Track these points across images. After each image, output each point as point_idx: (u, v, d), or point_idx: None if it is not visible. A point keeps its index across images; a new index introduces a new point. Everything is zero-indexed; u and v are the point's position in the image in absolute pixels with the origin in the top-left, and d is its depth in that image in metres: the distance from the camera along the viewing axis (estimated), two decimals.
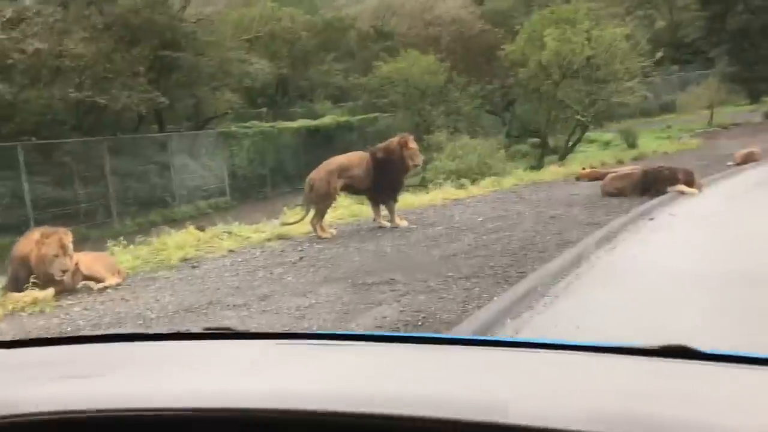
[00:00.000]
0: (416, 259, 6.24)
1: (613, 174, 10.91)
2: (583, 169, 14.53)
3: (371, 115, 32.97)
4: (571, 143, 27.16)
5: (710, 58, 40.40)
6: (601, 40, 25.56)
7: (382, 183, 8.31)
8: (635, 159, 18.58)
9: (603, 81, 25.95)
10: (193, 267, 6.65)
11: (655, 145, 26.53)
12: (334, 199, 8.44)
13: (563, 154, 26.86)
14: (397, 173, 8.46)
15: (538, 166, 25.21)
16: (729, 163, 14.68)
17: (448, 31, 32.65)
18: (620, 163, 17.92)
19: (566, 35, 25.38)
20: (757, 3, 32.63)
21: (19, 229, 18.57)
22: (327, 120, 32.92)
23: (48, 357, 1.44)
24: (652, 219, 7.73)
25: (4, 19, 14.74)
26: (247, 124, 29.03)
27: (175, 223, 22.09)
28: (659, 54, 26.50)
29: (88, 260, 6.16)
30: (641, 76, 26.59)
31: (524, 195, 11.35)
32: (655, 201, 9.07)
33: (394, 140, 8.56)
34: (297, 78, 37.16)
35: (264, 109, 32.37)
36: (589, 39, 25.54)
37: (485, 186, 13.16)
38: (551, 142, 30.88)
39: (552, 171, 15.95)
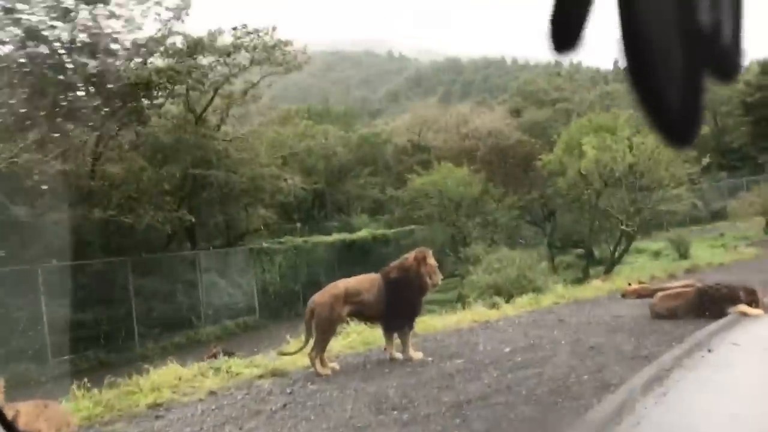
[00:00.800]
0: (420, 408, 5.07)
1: (664, 292, 9.61)
2: (629, 284, 13.20)
3: (407, 228, 32.36)
4: (617, 254, 25.82)
5: (760, 164, 39.26)
6: (643, 147, 24.75)
7: (396, 308, 7.24)
8: (688, 271, 17.14)
9: (647, 189, 24.93)
10: (157, 417, 5.58)
11: (709, 254, 25.01)
12: (336, 328, 7.38)
13: (609, 265, 25.50)
14: (413, 295, 7.40)
15: (582, 278, 23.90)
16: None
17: (484, 143, 32.35)
18: (671, 276, 16.50)
19: (606, 143, 24.69)
20: None
21: (37, 352, 18.03)
22: (363, 233, 32.39)
23: None
24: (710, 351, 6.42)
25: (27, 141, 14.65)
26: (279, 240, 28.60)
27: (200, 344, 21.31)
28: (706, 160, 25.50)
29: (29, 411, 5.16)
30: (688, 183, 25.55)
31: (563, 316, 10.09)
32: (714, 326, 7.73)
33: (410, 256, 7.56)
34: (333, 192, 37.16)
35: (298, 224, 32.00)
36: (630, 146, 24.80)
37: (521, 305, 11.94)
38: (597, 252, 29.63)
39: (595, 286, 14.63)
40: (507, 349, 7.41)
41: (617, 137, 24.97)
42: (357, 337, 8.43)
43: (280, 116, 39.66)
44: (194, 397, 6.16)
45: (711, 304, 8.71)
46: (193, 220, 21.34)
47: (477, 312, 11.11)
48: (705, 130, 50.00)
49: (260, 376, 6.93)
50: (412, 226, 31.80)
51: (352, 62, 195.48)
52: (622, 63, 0.80)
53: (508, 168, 29.46)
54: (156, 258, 22.92)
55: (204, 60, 25.08)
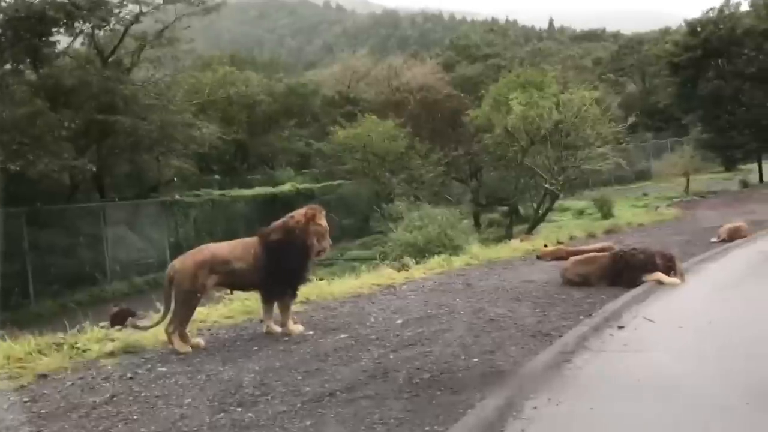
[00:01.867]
0: (272, 403, 4.17)
1: (576, 257, 8.98)
2: (545, 245, 12.64)
3: (333, 183, 31.36)
4: (540, 213, 25.55)
5: (684, 125, 39.75)
6: (570, 104, 24.33)
7: (276, 275, 6.26)
8: (608, 232, 16.79)
9: (573, 147, 24.60)
10: None
11: (630, 214, 25.01)
12: (199, 300, 6.37)
13: (533, 224, 25.22)
14: (297, 260, 6.41)
15: (506, 236, 23.52)
16: (713, 240, 12.88)
17: (413, 97, 31.38)
18: (590, 236, 16.12)
19: (533, 99, 24.12)
20: (728, 69, 31.79)
21: None
22: (286, 187, 31.24)
23: None
24: (621, 327, 5.74)
25: None
26: (194, 192, 27.15)
27: (104, 302, 19.87)
28: (632, 119, 25.36)
29: None
30: (614, 142, 25.34)
31: (472, 280, 9.39)
32: (627, 296, 7.11)
33: (297, 214, 6.56)
34: (257, 144, 35.62)
35: (216, 176, 30.52)
36: (557, 103, 24.34)
37: (431, 267, 11.18)
38: (522, 210, 29.38)
39: (513, 246, 14.05)
40: (399, 321, 6.59)
41: (544, 93, 24.44)
42: (239, 305, 7.46)
43: (202, 63, 37.70)
44: (16, 383, 5.09)
45: (626, 271, 8.11)
46: (94, 169, 19.71)
47: (383, 275, 10.28)
48: (633, 89, 50.58)
49: (111, 354, 5.90)
50: (339, 181, 30.81)
51: (287, 11, 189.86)
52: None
53: (435, 123, 28.65)
54: (56, 210, 21.22)
55: None
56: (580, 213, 29.98)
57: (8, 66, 20.07)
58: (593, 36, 71.85)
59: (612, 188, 35.35)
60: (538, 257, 12.12)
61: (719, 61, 32.12)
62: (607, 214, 25.64)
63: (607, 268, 8.28)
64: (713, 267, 9.62)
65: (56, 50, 22.36)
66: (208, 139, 25.04)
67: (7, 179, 18.24)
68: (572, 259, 8.91)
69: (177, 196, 24.98)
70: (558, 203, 29.76)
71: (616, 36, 68.51)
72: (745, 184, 31.02)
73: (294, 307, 6.99)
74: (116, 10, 22.97)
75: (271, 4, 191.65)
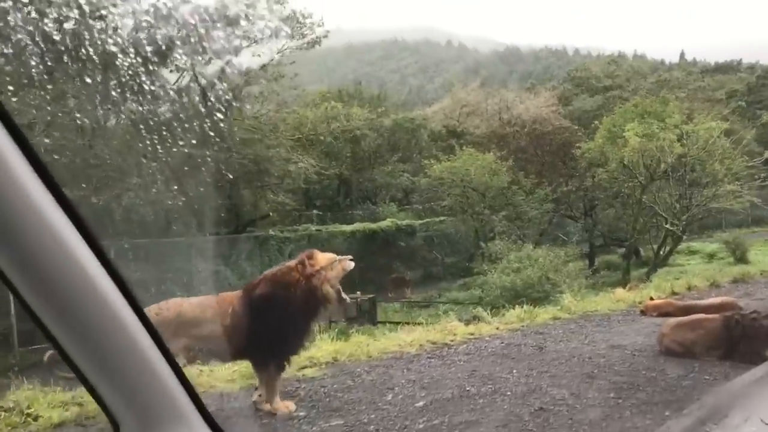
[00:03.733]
0: None
1: (679, 320, 7.05)
2: (651, 298, 10.58)
3: (436, 219, 30.03)
4: (661, 255, 22.92)
5: None
6: (695, 136, 21.81)
7: (260, 339, 4.93)
8: (735, 281, 14.29)
9: (699, 184, 21.99)
10: None
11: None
12: None
13: (652, 268, 22.61)
14: (289, 321, 5.05)
15: (623, 281, 21.20)
16: None
17: (521, 129, 29.65)
18: (714, 286, 13.72)
19: (652, 130, 21.79)
20: None
21: None
22: (386, 223, 30.17)
23: None
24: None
25: None
26: (291, 227, 26.68)
27: None
28: (767, 154, 22.38)
29: None
30: (747, 179, 22.51)
31: (547, 341, 7.68)
32: (742, 380, 5.18)
33: (290, 264, 5.26)
34: (360, 179, 34.95)
35: (316, 211, 30.02)
36: (680, 135, 21.88)
37: (508, 320, 9.52)
38: (643, 252, 26.71)
39: (616, 296, 12.02)
40: (421, 403, 5.08)
41: (665, 124, 22.02)
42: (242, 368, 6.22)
43: (312, 99, 37.82)
44: None
45: (743, 342, 6.15)
46: (180, 202, 19.45)
47: (444, 329, 8.74)
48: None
49: (59, 425, 4.81)
50: (441, 217, 29.48)
51: (410, 51, 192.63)
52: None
53: (544, 157, 26.69)
54: (143, 244, 21.22)
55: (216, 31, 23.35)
56: (711, 257, 26.87)
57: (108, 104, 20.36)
58: (728, 68, 66.62)
59: (749, 230, 31.76)
60: (642, 312, 10.13)
61: None
62: (741, 258, 22.72)
63: (717, 335, 6.35)
64: None
65: (160, 86, 22.64)
66: (304, 173, 24.47)
67: (95, 213, 18.31)
68: (672, 321, 7.00)
69: (272, 231, 24.49)
70: (685, 245, 26.89)
71: (753, 67, 63.22)
72: None
73: (310, 371, 5.66)
74: (213, 44, 23.01)
75: (395, 44, 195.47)
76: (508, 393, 5.27)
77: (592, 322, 9.44)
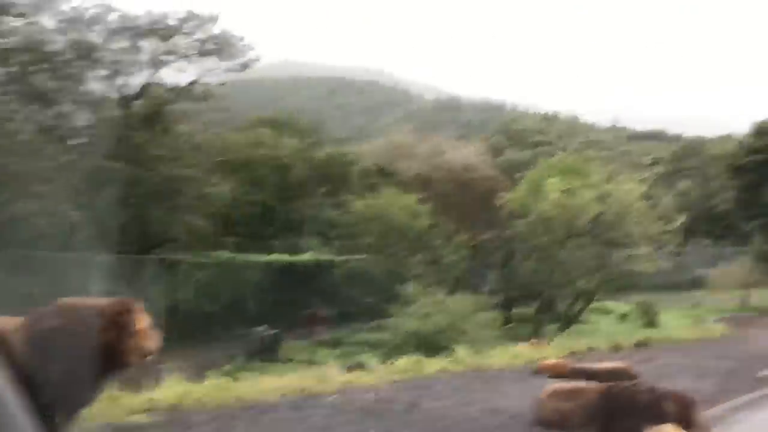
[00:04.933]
0: None
1: (556, 387, 6.58)
2: (545, 358, 10.19)
3: (357, 256, 29.35)
4: (573, 312, 22.91)
5: (745, 235, 36.70)
6: (615, 196, 22.06)
7: (42, 383, 4.02)
8: (639, 345, 14.15)
9: (615, 244, 22.17)
10: None
11: (676, 325, 22.27)
12: None
13: (562, 325, 22.55)
14: (85, 367, 4.15)
15: (534, 334, 20.98)
16: (763, 373, 10.17)
17: (450, 176, 29.57)
18: (616, 349, 13.52)
19: (572, 186, 21.95)
20: None
21: None
22: (306, 257, 29.38)
23: None
24: None
25: None
26: (203, 253, 25.57)
27: None
28: (682, 219, 22.79)
29: None
30: (662, 243, 22.85)
31: (424, 398, 7.09)
32: None
33: (101, 303, 4.39)
34: (285, 210, 34.08)
35: (231, 238, 28.97)
36: (601, 195, 22.10)
37: (396, 369, 8.91)
38: (560, 308, 26.72)
39: (514, 352, 11.62)
40: None
41: (586, 182, 22.23)
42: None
43: (248, 124, 37.02)
44: None
45: (620, 416, 5.70)
46: (76, 215, 18.29)
47: (323, 375, 8.04)
48: (691, 191, 47.63)
49: None
50: (363, 255, 28.86)
51: (356, 90, 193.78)
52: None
53: (467, 203, 26.57)
54: (40, 257, 19.82)
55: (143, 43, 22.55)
56: (623, 317, 27.16)
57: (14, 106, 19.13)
58: (654, 135, 69.39)
59: (663, 294, 32.31)
60: (536, 371, 9.70)
61: None
62: (650, 322, 22.96)
63: (595, 407, 5.88)
64: (757, 420, 7.01)
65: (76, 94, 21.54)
66: (221, 198, 23.55)
67: None
68: (551, 387, 6.53)
69: (181, 256, 23.34)
70: (600, 304, 27.10)
71: (678, 138, 66.05)
72: None
73: (141, 417, 4.83)
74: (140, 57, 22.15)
75: (342, 81, 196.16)
76: None
77: (482, 378, 8.95)
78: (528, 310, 27.04)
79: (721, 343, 15.30)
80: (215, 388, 6.61)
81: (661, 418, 5.61)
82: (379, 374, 8.50)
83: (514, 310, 27.01)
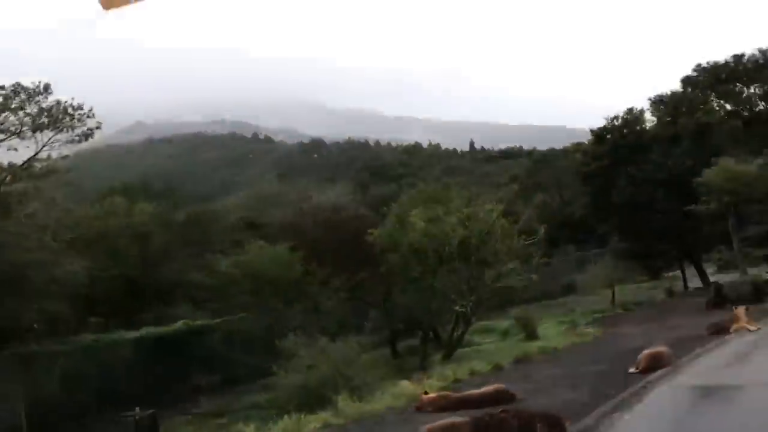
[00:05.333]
0: None
1: (432, 426, 6.39)
2: (425, 392, 10.01)
3: (234, 317, 28.21)
4: (455, 337, 23.07)
5: (604, 236, 38.84)
6: (476, 218, 22.59)
7: None
8: (518, 361, 14.35)
9: (484, 264, 22.63)
10: None
11: (554, 333, 23.06)
12: None
13: (448, 351, 22.63)
14: None
15: (422, 366, 20.88)
16: (631, 370, 10.53)
17: (315, 219, 29.30)
18: (498, 369, 13.62)
19: (436, 214, 22.31)
20: (639, 175, 31.06)
21: None
22: (177, 326, 27.83)
23: None
24: None
25: None
26: (62, 339, 23.63)
27: None
28: (542, 231, 23.68)
29: None
30: (528, 256, 23.58)
31: None
32: None
33: None
34: (150, 279, 32.39)
35: (93, 319, 27.12)
36: (463, 219, 22.56)
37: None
38: (443, 335, 26.89)
39: (397, 391, 11.37)
40: None
41: (448, 209, 22.68)
42: None
43: (96, 195, 35.16)
44: None
45: None
46: None
47: None
48: (550, 202, 50.24)
49: None
50: (241, 314, 27.78)
51: (217, 144, 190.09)
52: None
53: (339, 245, 26.34)
54: None
55: None
56: (505, 333, 27.78)
57: None
58: (510, 154, 72.97)
59: (539, 304, 33.47)
60: (418, 408, 9.48)
61: (628, 168, 31.43)
62: (530, 334, 23.54)
63: None
64: (624, 422, 7.12)
65: None
66: (75, 277, 21.93)
67: None
68: (425, 429, 6.31)
69: (35, 347, 21.42)
70: (482, 324, 27.56)
71: (531, 153, 69.67)
72: (670, 293, 29.69)
73: None
74: None
75: (202, 138, 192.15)
76: None
77: (364, 428, 8.58)
78: (415, 341, 27.09)
79: (594, 346, 15.87)
80: None
81: None
82: None
83: (402, 344, 26.97)
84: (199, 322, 28.13)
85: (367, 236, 25.57)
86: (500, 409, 6.17)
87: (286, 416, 9.69)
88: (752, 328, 14.23)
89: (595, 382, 9.66)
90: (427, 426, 6.40)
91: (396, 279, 25.16)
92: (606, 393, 8.69)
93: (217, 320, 28.26)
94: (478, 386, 10.42)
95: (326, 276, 23.66)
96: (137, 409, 18.79)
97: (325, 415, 9.53)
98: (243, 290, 22.58)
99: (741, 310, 14.97)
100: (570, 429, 5.89)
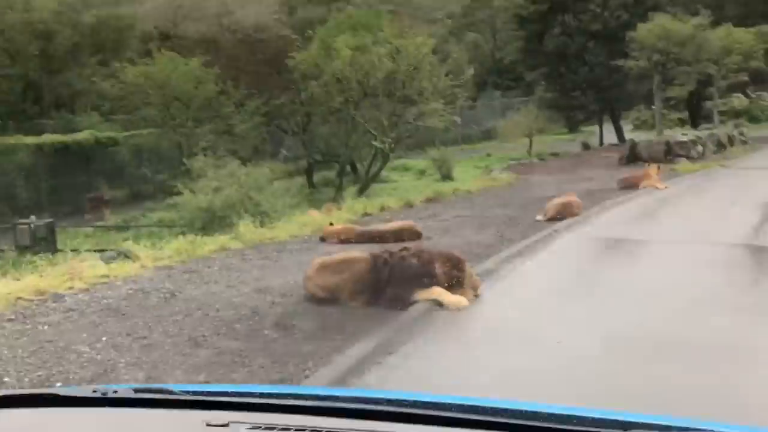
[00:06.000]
0: None
1: (324, 260, 6.05)
2: (331, 224, 9.71)
3: (143, 131, 26.91)
4: (372, 173, 22.84)
5: (531, 85, 38.61)
6: (406, 52, 21.59)
7: None
8: (429, 200, 14.25)
9: (409, 101, 22.00)
10: None
11: (470, 176, 23.18)
12: None
13: (362, 185, 22.45)
14: None
15: (336, 198, 20.69)
16: (539, 218, 10.49)
17: (234, 35, 27.41)
18: (409, 206, 13.49)
19: (364, 43, 21.16)
20: (574, 24, 30.35)
21: None
22: (83, 135, 26.38)
23: None
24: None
25: None
26: None
27: None
28: (470, 71, 23.08)
29: None
30: (454, 97, 23.07)
31: (187, 287, 6.26)
32: (379, 335, 4.24)
33: None
34: (53, 84, 30.17)
35: None
36: (392, 51, 21.53)
37: (168, 253, 7.94)
38: (360, 169, 26.66)
39: (304, 220, 11.08)
40: None
41: (377, 38, 21.51)
42: None
43: None
44: None
45: (391, 284, 5.29)
46: None
47: (71, 271, 6.88)
48: (482, 43, 49.13)
49: None
50: (151, 129, 26.47)
51: None
52: None
53: (258, 66, 24.90)
54: None
55: None
56: (421, 173, 27.82)
57: None
58: None
59: (458, 147, 33.51)
60: (322, 239, 9.20)
61: (565, 16, 30.60)
62: (446, 176, 23.60)
63: (363, 279, 5.43)
64: (526, 269, 7.02)
65: None
66: None
67: None
68: (317, 261, 5.98)
69: None
70: (401, 162, 27.48)
71: None
72: (586, 146, 30.22)
73: None
74: None
75: None
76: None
77: (262, 253, 8.26)
78: (332, 173, 26.80)
79: (505, 190, 15.95)
80: None
81: (431, 281, 5.28)
82: (142, 263, 7.48)
83: (318, 175, 26.65)
84: (106, 134, 26.80)
85: (288, 60, 24.30)
86: (400, 247, 5.91)
87: (180, 237, 9.22)
88: (661, 186, 14.53)
89: (502, 226, 9.58)
90: (320, 259, 6.07)
91: (316, 108, 24.32)
92: (511, 238, 8.61)
93: (125, 133, 26.99)
94: (387, 222, 10.22)
95: (243, 98, 22.50)
96: (32, 217, 17.99)
97: (223, 239, 9.12)
98: (151, 103, 21.17)
99: (653, 169, 15.22)
100: (470, 271, 5.69)
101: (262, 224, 10.67)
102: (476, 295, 5.53)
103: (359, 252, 6.09)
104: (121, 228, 20.85)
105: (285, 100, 24.29)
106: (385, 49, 21.18)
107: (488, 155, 31.15)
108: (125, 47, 33.29)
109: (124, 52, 32.74)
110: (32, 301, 5.84)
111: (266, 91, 24.18)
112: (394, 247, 6.29)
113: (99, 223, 20.80)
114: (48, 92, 30.20)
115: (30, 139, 24.83)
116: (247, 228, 9.82)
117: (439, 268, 5.35)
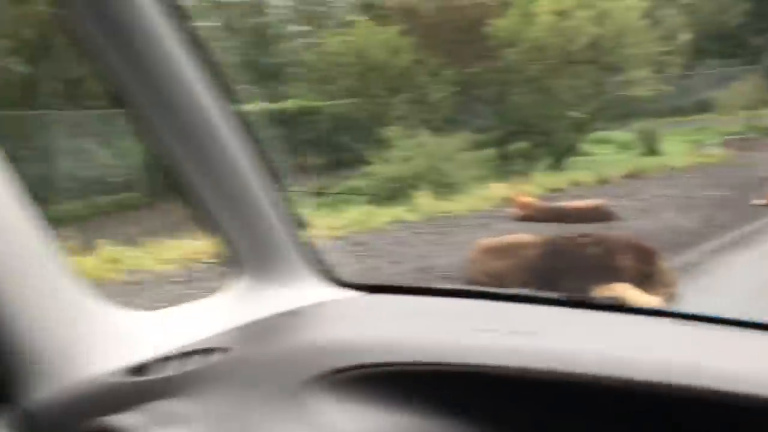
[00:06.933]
0: None
1: (491, 243, 5.48)
2: (512, 199, 9.07)
3: (343, 101, 27.86)
4: (568, 145, 21.70)
5: (758, 50, 34.44)
6: (613, 15, 20.18)
7: None
8: (629, 176, 13.03)
9: (613, 69, 20.60)
10: None
11: (678, 151, 21.22)
12: None
13: (558, 159, 21.41)
14: None
15: (529, 170, 19.96)
16: (756, 202, 8.99)
17: (435, 3, 27.15)
18: (603, 182, 12.42)
19: (566, 7, 20.05)
20: None
21: None
22: (288, 104, 27.90)
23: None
24: None
25: None
26: None
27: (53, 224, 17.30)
28: (687, 37, 20.92)
29: None
30: (665, 65, 21.24)
31: (347, 262, 6.04)
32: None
33: None
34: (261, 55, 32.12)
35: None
36: (599, 15, 20.25)
37: (338, 225, 7.88)
38: (558, 141, 25.52)
39: (486, 195, 10.55)
40: None
41: (582, 1, 20.22)
42: None
43: None
44: None
45: (564, 275, 4.62)
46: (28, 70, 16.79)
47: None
48: (701, 5, 44.50)
49: None
50: (352, 99, 27.35)
51: None
52: None
53: (454, 35, 24.48)
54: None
55: None
56: (623, 147, 25.97)
57: None
58: None
59: (669, 120, 30.91)
60: (503, 215, 8.65)
61: None
62: (651, 150, 21.86)
63: (532, 267, 4.81)
64: (739, 262, 5.90)
65: None
66: None
67: None
68: (484, 244, 5.43)
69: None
70: (603, 134, 25.93)
71: None
72: None
73: None
74: None
75: None
76: None
77: (434, 228, 7.89)
78: (525, 145, 25.89)
79: (718, 169, 14.15)
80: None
81: (614, 275, 4.53)
82: (318, 232, 7.44)
83: (511, 146, 25.88)
84: (309, 103, 28.03)
85: (485, 27, 23.64)
86: (580, 233, 5.19)
87: (361, 206, 9.15)
88: None
89: (712, 209, 8.35)
90: (485, 240, 5.54)
91: (512, 77, 23.52)
92: (721, 224, 7.43)
93: (327, 103, 28.03)
94: (578, 199, 9.40)
95: (437, 67, 22.29)
96: None
97: (399, 210, 8.89)
98: (349, 73, 21.67)
99: None
100: (663, 266, 4.84)
101: (442, 195, 10.33)
102: (671, 295, 4.66)
103: (530, 235, 5.47)
104: (317, 194, 21.70)
105: (480, 69, 23.76)
106: (589, 13, 19.92)
107: (702, 129, 28.38)
108: (328, 17, 34.52)
109: (324, 21, 34.00)
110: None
111: (461, 59, 23.79)
112: (580, 228, 5.60)
113: (295, 188, 21.83)
114: (254, 65, 32.20)
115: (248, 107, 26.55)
116: (425, 199, 9.52)
117: (624, 261, 4.58)
